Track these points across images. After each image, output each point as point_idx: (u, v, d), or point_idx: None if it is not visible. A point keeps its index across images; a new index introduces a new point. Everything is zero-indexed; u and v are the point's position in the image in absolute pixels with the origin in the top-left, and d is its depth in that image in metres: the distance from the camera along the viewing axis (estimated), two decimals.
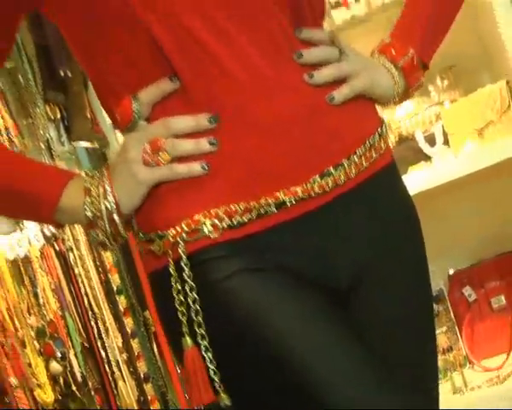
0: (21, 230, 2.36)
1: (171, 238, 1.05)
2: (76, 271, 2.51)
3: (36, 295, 2.37)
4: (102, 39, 1.05)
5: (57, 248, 2.48)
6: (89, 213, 1.06)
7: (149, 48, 1.02)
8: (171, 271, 1.05)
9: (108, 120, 3.16)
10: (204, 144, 1.04)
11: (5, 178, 1.11)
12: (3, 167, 1.12)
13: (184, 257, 1.04)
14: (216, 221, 1.04)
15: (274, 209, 1.04)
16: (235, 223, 1.04)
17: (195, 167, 1.04)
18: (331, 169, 1.06)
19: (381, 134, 1.13)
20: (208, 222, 1.04)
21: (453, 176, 2.93)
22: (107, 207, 1.06)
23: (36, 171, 1.14)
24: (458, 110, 3.03)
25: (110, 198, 1.05)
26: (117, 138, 3.10)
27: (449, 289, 3.17)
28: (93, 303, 2.55)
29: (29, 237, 2.38)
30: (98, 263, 2.63)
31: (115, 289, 2.67)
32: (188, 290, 1.04)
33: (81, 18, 1.05)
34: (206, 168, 1.04)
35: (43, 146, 2.60)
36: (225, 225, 1.04)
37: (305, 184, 1.04)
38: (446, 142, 3.02)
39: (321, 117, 1.06)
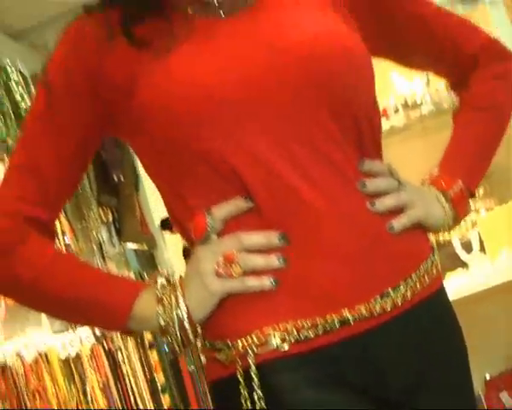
0: (74, 330, 2.45)
1: (240, 348, 1.11)
2: (124, 369, 2.58)
3: (85, 393, 2.44)
4: (180, 168, 1.14)
5: (106, 347, 2.57)
6: (161, 322, 1.12)
7: (227, 174, 1.12)
8: (239, 379, 1.10)
9: (157, 222, 3.29)
10: (274, 261, 1.11)
11: (78, 288, 1.18)
12: (75, 277, 1.19)
13: (254, 367, 1.09)
14: (284, 335, 1.10)
15: (337, 326, 1.11)
16: (302, 337, 1.10)
17: (265, 282, 1.11)
18: (390, 291, 1.14)
19: (433, 261, 1.22)
20: (277, 335, 1.10)
21: (489, 283, 2.99)
22: (178, 316, 1.12)
23: (108, 280, 1.20)
24: (494, 218, 3.11)
25: (182, 307, 1.12)
26: (164, 240, 3.22)
27: (486, 395, 3.19)
28: (139, 401, 2.61)
29: (81, 336, 2.47)
30: (144, 362, 2.70)
31: (160, 387, 2.73)
32: (256, 399, 1.10)
33: (163, 152, 1.14)
34: (275, 284, 1.11)
35: (95, 248, 2.71)
36: (293, 339, 1.10)
37: (368, 304, 1.12)
38: (482, 249, 3.09)
39: (381, 244, 1.14)
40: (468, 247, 3.11)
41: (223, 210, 1.13)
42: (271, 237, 1.12)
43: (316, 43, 1.13)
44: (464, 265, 3.08)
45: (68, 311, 1.22)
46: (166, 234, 3.23)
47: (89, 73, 1.17)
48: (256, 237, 1.12)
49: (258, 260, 1.12)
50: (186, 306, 1.13)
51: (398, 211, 1.19)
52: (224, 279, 1.12)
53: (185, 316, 1.12)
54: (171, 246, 3.31)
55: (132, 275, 2.82)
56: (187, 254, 3.35)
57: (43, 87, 1.21)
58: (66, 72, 1.18)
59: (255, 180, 1.11)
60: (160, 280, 1.17)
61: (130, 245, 2.96)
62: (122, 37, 1.17)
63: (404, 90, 3.21)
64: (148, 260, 3.13)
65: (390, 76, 3.27)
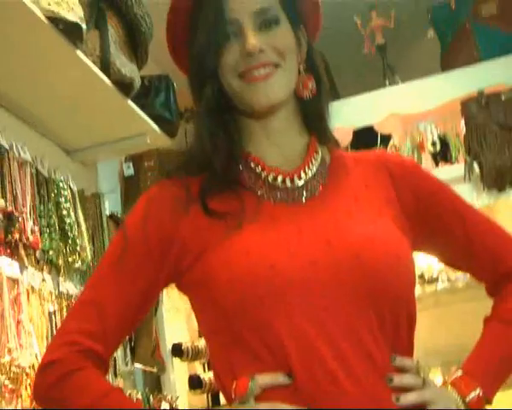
0: None
1: None
2: None
3: None
4: (232, 335, 1.28)
5: None
6: None
7: (275, 349, 1.25)
8: None
9: (168, 347, 3.38)
10: None
11: None
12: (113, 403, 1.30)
13: None
14: None
15: None
16: None
17: None
18: None
19: None
20: None
21: None
22: None
23: None
24: (505, 396, 3.16)
25: None
26: (172, 364, 3.31)
27: None
28: None
29: None
30: None
31: None
32: None
33: (219, 315, 1.29)
34: None
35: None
36: None
37: None
38: None
39: None
40: None
41: (265, 380, 1.27)
42: None
43: (370, 249, 1.29)
44: None
45: None
46: (176, 359, 3.33)
47: (163, 236, 1.33)
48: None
49: None
50: None
51: (419, 406, 1.31)
52: None
53: None
54: (178, 372, 3.40)
55: (140, 396, 2.89)
56: (192, 382, 3.44)
57: (121, 237, 1.35)
58: (143, 230, 1.34)
59: (299, 362, 1.25)
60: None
61: (141, 366, 3.05)
62: (198, 204, 1.32)
63: (422, 264, 3.35)
64: (153, 382, 3.21)
65: None
